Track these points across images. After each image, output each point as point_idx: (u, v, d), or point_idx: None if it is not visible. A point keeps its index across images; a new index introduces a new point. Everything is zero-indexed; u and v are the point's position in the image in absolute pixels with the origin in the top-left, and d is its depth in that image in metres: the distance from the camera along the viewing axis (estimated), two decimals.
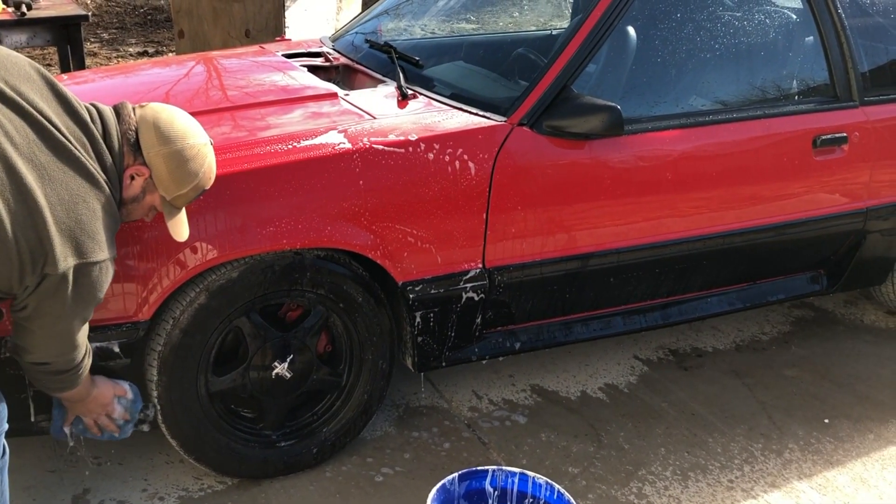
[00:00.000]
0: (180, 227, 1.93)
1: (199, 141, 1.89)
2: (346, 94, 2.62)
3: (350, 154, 2.22)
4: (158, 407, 2.16)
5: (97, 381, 2.00)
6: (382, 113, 2.46)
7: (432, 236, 2.32)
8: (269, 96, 2.62)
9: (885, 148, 2.81)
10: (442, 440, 2.54)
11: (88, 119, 1.75)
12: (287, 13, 4.83)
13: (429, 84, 2.70)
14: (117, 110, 1.85)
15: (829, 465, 2.50)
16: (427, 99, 2.57)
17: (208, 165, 1.91)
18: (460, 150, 2.33)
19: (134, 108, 1.87)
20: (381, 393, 2.44)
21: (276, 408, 2.31)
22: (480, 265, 2.42)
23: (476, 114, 2.46)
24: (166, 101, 2.55)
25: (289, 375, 2.27)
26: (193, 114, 1.99)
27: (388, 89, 2.66)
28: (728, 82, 2.78)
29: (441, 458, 2.47)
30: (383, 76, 2.77)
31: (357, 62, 2.96)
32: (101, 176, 1.72)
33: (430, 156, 2.30)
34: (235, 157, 2.18)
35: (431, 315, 2.42)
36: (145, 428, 2.17)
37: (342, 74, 3.00)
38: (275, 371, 2.25)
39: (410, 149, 2.28)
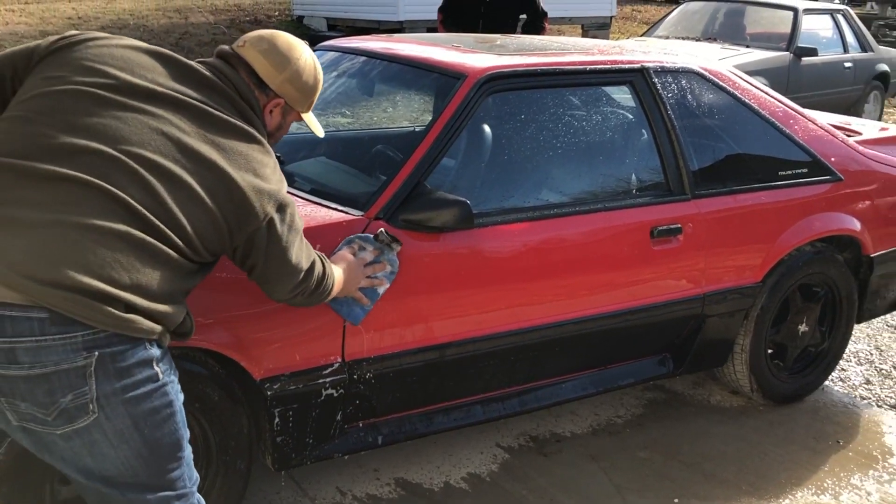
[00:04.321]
0: (318, 126, 2.17)
1: (301, 49, 2.02)
2: None
3: None
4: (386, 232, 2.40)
5: (336, 260, 2.24)
6: None
7: (291, 331, 2.33)
8: None
9: (716, 237, 3.03)
10: None
11: (219, 82, 1.86)
12: None
13: (290, 179, 2.72)
14: (225, 59, 1.95)
15: None
16: None
17: (316, 64, 2.06)
18: (318, 245, 2.36)
19: (233, 49, 1.97)
20: (239, 495, 2.38)
21: None
22: (340, 359, 2.44)
23: (334, 209, 2.51)
24: None
25: None
26: None
27: None
28: (572, 177, 2.95)
29: None
30: None
31: None
32: (251, 129, 1.85)
33: None
34: None
35: (291, 411, 2.41)
36: (396, 247, 2.41)
37: None
38: None
39: None
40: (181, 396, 1.78)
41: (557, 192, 2.90)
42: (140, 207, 1.63)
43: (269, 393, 2.34)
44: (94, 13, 13.81)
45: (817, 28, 8.82)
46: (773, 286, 3.19)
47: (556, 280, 2.77)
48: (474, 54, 2.98)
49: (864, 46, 9.25)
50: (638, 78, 3.04)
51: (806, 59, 8.25)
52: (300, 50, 2.01)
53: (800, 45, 8.26)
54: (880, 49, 9.71)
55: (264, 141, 1.89)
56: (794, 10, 8.66)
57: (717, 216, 3.02)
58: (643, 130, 3.05)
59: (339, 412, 2.51)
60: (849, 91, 8.91)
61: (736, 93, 3.22)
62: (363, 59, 3.30)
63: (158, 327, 1.67)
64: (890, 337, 4.22)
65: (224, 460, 2.32)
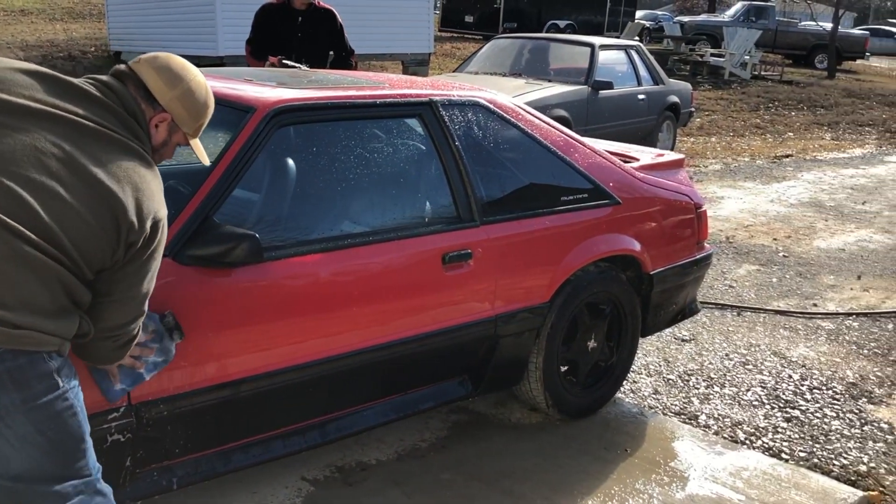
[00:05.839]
0: (204, 154, 2.19)
1: (195, 72, 2.08)
2: None
3: None
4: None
5: None
6: None
7: None
8: None
9: (505, 261, 3.16)
10: None
11: (102, 97, 1.90)
12: None
13: None
14: (117, 76, 1.99)
15: None
16: None
17: (208, 91, 2.12)
18: None
19: (128, 66, 2.02)
20: None
21: None
22: (125, 402, 2.35)
23: None
24: None
25: None
26: None
27: None
28: (365, 208, 2.99)
29: None
30: None
31: None
32: (135, 143, 1.90)
33: None
34: None
35: None
36: (178, 337, 2.29)
37: None
38: None
39: None
40: (81, 395, 1.87)
41: (351, 222, 2.94)
42: (16, 224, 1.68)
43: None
44: None
45: (613, 63, 9.43)
46: (561, 305, 3.36)
47: (351, 309, 2.80)
48: (265, 87, 2.99)
49: (655, 80, 9.96)
50: (426, 110, 3.14)
51: (603, 92, 8.79)
52: (193, 72, 2.08)
53: (597, 79, 8.80)
54: (671, 82, 10.49)
55: (148, 157, 1.94)
56: (591, 45, 9.23)
57: (505, 241, 3.16)
58: (433, 161, 3.15)
59: (129, 457, 2.42)
60: (643, 121, 9.57)
61: (519, 123, 3.39)
62: None
63: (54, 339, 1.75)
64: (677, 349, 4.54)
65: None
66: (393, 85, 3.30)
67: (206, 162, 2.24)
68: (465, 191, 3.12)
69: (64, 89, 1.88)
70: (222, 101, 2.91)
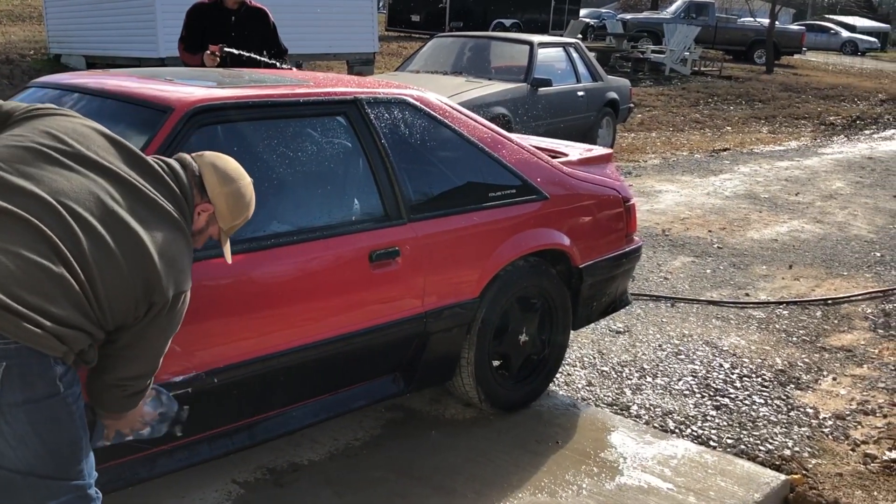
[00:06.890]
0: (229, 254, 2.35)
1: (248, 180, 2.31)
2: None
3: None
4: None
5: None
6: None
7: None
8: None
9: (433, 257, 3.16)
10: None
11: (162, 173, 2.12)
12: None
13: None
14: (181, 161, 2.22)
15: None
16: None
17: (252, 199, 2.33)
18: None
19: (193, 157, 2.25)
20: None
21: None
22: None
23: None
24: None
25: None
26: None
27: None
28: (290, 208, 2.97)
29: None
30: None
31: None
32: (181, 220, 2.10)
33: None
34: None
35: None
36: (178, 431, 2.42)
37: None
38: None
39: None
40: (81, 402, 1.98)
41: (276, 221, 2.92)
42: (64, 249, 1.85)
43: None
44: None
45: (552, 60, 9.51)
46: (491, 300, 3.37)
47: (277, 309, 2.78)
48: (184, 87, 2.96)
49: (594, 76, 10.07)
50: (352, 108, 3.13)
51: (542, 90, 8.86)
52: (247, 179, 2.31)
53: (536, 76, 8.86)
54: (609, 78, 10.61)
55: (188, 234, 2.14)
56: (530, 43, 9.30)
57: (433, 238, 3.16)
58: (359, 159, 3.14)
59: None
60: (583, 118, 9.66)
61: (446, 120, 3.39)
62: (78, 95, 3.16)
63: (63, 347, 1.86)
64: (611, 341, 4.60)
65: None
66: (318, 83, 3.28)
67: (229, 261, 2.36)
68: (392, 188, 3.11)
69: (133, 159, 2.09)
70: (140, 101, 2.88)
